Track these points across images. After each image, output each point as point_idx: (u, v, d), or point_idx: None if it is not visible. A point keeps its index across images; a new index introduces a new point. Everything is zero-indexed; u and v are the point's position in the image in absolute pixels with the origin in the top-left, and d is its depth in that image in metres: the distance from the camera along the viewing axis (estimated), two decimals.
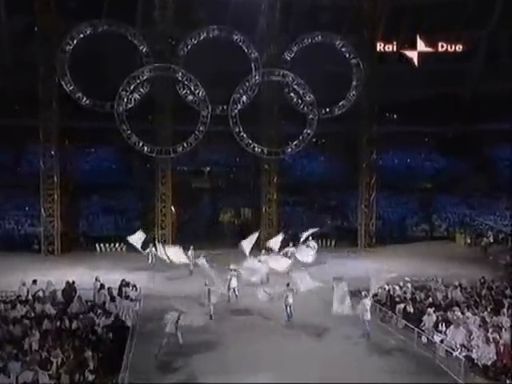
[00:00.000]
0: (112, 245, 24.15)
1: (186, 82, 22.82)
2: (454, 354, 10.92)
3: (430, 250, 24.30)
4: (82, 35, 22.18)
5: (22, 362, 9.27)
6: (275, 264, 16.60)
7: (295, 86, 23.44)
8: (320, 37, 23.74)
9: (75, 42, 22.14)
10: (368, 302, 12.61)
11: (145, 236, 20.20)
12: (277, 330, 12.98)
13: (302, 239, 19.60)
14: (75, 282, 14.77)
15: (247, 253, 16.85)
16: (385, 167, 28.22)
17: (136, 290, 15.14)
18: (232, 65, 24.17)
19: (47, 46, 22.42)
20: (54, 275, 16.44)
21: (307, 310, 13.91)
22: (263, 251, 18.80)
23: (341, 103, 24.26)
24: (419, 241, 26.42)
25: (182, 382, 10.16)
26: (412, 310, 13.30)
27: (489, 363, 10.58)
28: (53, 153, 23.14)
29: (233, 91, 23.13)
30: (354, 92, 24.20)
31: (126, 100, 22.34)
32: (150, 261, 19.94)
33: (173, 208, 24.46)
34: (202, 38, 23.04)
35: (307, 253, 18.77)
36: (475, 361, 10.75)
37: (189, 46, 23.11)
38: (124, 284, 14.87)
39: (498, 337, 11.07)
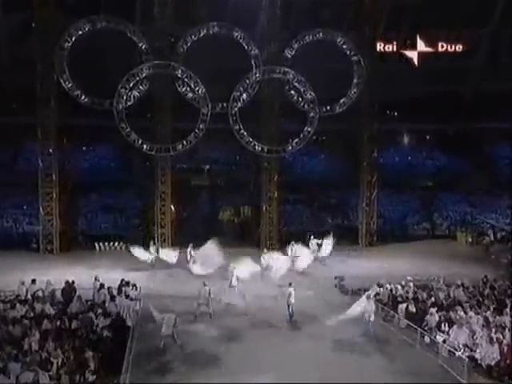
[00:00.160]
0: (111, 243, 24.06)
1: (185, 80, 22.68)
2: (457, 354, 10.85)
3: (431, 248, 24.20)
4: (80, 32, 22.06)
5: (22, 363, 9.19)
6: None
7: (296, 84, 23.29)
8: (321, 34, 23.60)
9: (74, 38, 22.00)
10: (373, 302, 12.52)
11: (151, 256, 19.38)
12: (278, 330, 12.89)
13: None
14: (74, 281, 14.65)
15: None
16: (386, 165, 28.11)
17: (136, 289, 15.04)
18: (232, 62, 24.00)
19: (45, 42, 22.27)
20: (52, 274, 16.32)
21: (308, 310, 13.82)
22: (265, 250, 18.72)
23: (342, 101, 24.13)
24: (420, 239, 26.32)
25: (182, 383, 10.07)
26: (414, 310, 13.22)
27: (492, 363, 10.51)
28: (51, 151, 23.00)
29: (233, 89, 22.99)
30: (355, 89, 24.06)
31: (125, 97, 22.17)
32: (149, 260, 19.85)
33: (172, 206, 24.34)
34: (201, 34, 22.91)
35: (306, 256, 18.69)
36: (478, 361, 10.69)
37: (188, 43, 22.96)
38: (124, 283, 14.76)
39: (501, 337, 11.00)
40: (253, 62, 23.21)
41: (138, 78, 22.29)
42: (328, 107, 24.05)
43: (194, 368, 10.61)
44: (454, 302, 13.77)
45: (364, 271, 18.99)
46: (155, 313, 11.81)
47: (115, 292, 13.85)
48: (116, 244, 24.00)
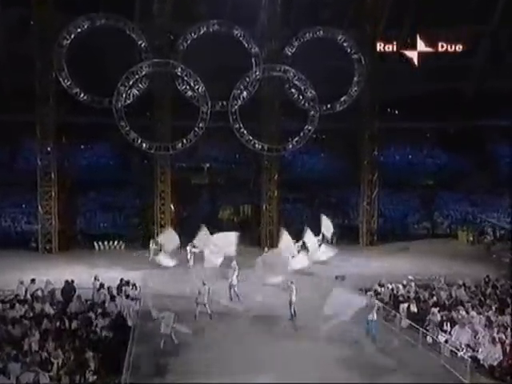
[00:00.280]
0: (110, 242, 23.95)
1: (185, 78, 22.55)
2: (459, 354, 10.79)
3: (432, 247, 24.16)
4: (79, 29, 21.93)
5: (22, 363, 9.14)
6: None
7: (296, 82, 23.19)
8: (321, 32, 23.49)
9: (72, 36, 21.87)
10: (375, 302, 12.44)
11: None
12: (279, 330, 12.81)
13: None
14: (74, 280, 14.55)
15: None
16: (386, 164, 28.08)
17: (136, 288, 14.94)
18: (232, 60, 23.90)
19: (44, 40, 22.13)
20: (52, 274, 16.26)
21: (309, 310, 13.71)
22: (266, 249, 18.63)
23: (342, 99, 24.03)
24: (421, 238, 26.28)
25: (182, 383, 9.99)
26: (416, 310, 13.15)
27: (495, 363, 10.47)
28: (50, 149, 22.87)
29: (233, 87, 22.87)
30: (355, 88, 23.95)
31: (124, 96, 22.04)
32: (150, 257, 19.79)
33: (172, 205, 24.24)
34: (201, 32, 22.78)
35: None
36: (481, 361, 10.64)
37: (188, 41, 22.85)
38: (124, 283, 14.66)
39: (503, 337, 10.96)
40: (253, 59, 23.11)
41: (137, 76, 22.16)
42: (328, 105, 23.95)
43: (194, 368, 10.52)
44: (455, 302, 13.74)
45: (365, 270, 18.91)
46: (154, 311, 11.73)
47: (115, 292, 13.77)
48: (115, 243, 23.91)
